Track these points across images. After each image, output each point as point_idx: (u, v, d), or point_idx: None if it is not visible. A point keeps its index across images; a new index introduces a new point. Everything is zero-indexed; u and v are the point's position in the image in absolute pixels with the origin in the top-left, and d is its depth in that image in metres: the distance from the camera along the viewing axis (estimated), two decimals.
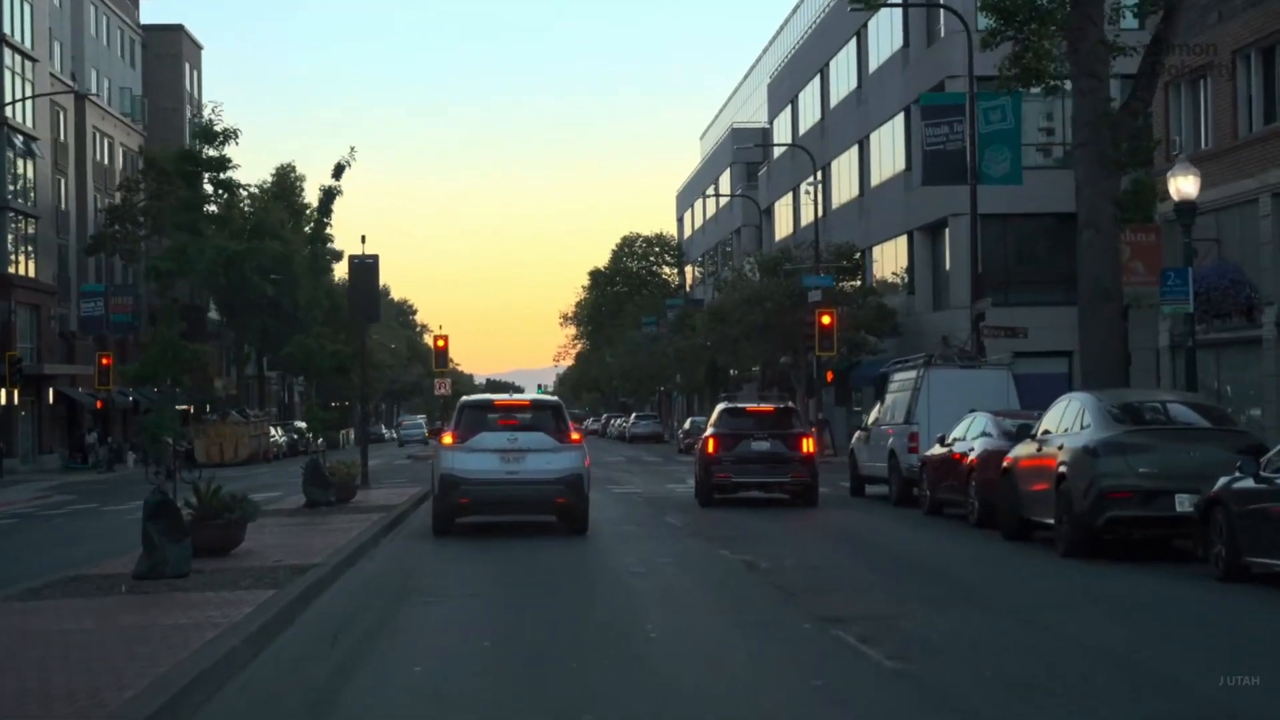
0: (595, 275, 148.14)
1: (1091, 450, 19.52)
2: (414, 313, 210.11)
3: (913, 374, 32.28)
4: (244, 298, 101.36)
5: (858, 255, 64.66)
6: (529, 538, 23.85)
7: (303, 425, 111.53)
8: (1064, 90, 32.77)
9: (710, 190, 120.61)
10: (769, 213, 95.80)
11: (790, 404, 36.24)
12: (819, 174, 63.80)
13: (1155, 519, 19.24)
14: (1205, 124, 37.32)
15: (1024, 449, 22.51)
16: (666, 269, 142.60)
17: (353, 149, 27.49)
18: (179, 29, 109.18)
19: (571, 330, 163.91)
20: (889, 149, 67.14)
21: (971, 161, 38.93)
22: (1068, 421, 20.99)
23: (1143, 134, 37.12)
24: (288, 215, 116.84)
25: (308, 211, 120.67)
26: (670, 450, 79.30)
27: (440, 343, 71.42)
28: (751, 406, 33.82)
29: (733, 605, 15.34)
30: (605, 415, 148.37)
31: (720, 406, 33.80)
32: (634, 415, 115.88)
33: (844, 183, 75.04)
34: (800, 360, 64.43)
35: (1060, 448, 20.49)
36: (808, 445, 31.72)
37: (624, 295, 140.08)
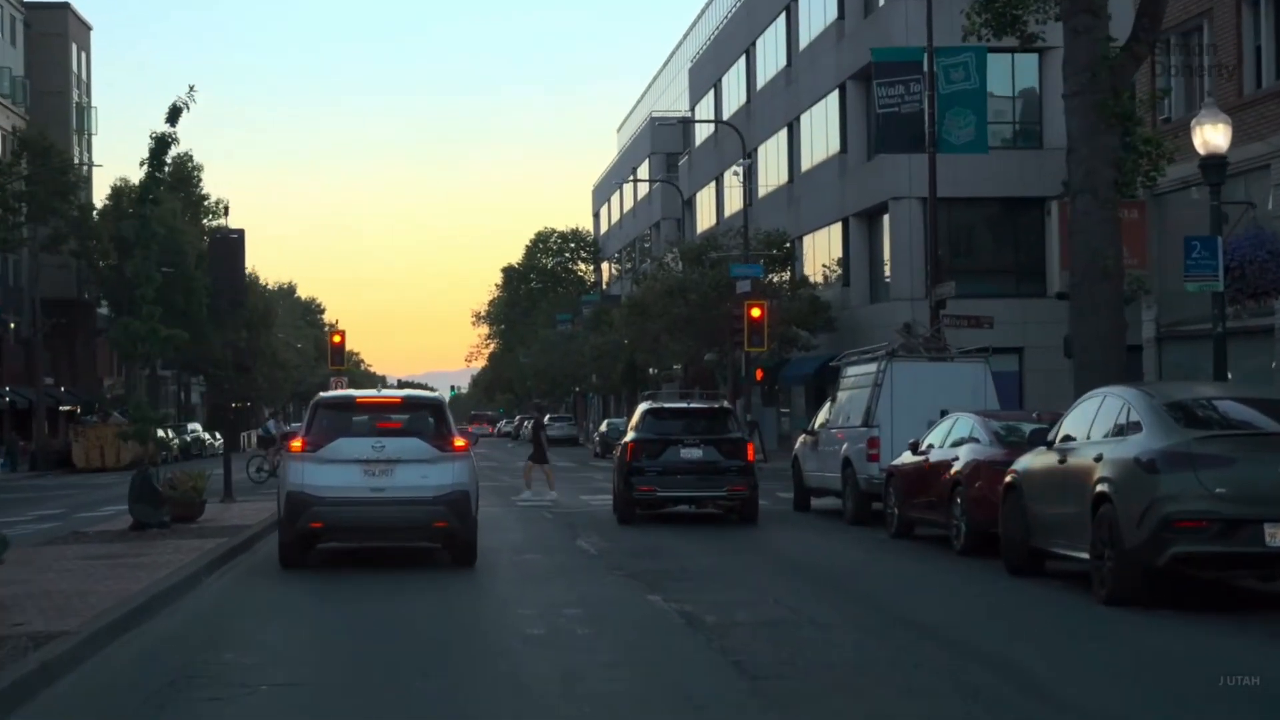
0: (508, 272, 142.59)
1: (1149, 463, 14.50)
2: (321, 311, 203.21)
3: (872, 368, 27.26)
4: (132, 292, 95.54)
5: (788, 244, 59.67)
6: (399, 572, 18.61)
7: (197, 427, 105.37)
8: (1041, 40, 27.75)
9: (629, 179, 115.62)
10: (691, 204, 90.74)
11: (726, 404, 31.10)
12: (746, 153, 58.90)
13: (1238, 556, 14.26)
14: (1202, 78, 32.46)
15: (1037, 460, 17.48)
16: (582, 265, 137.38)
17: (192, 88, 22.63)
18: (65, 7, 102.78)
19: (484, 329, 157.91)
20: (821, 131, 62.23)
21: (930, 127, 33.92)
22: (1103, 425, 15.96)
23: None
24: (184, 206, 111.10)
25: (206, 202, 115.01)
26: (586, 454, 74.04)
27: (337, 338, 66.09)
28: (681, 406, 28.93)
29: (673, 701, 10.20)
30: (518, 417, 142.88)
31: (643, 406, 28.64)
32: (548, 417, 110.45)
33: (772, 169, 70.10)
34: (727, 357, 59.36)
35: (1098, 459, 15.44)
36: (747, 452, 27.12)
37: (538, 293, 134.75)
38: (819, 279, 60.20)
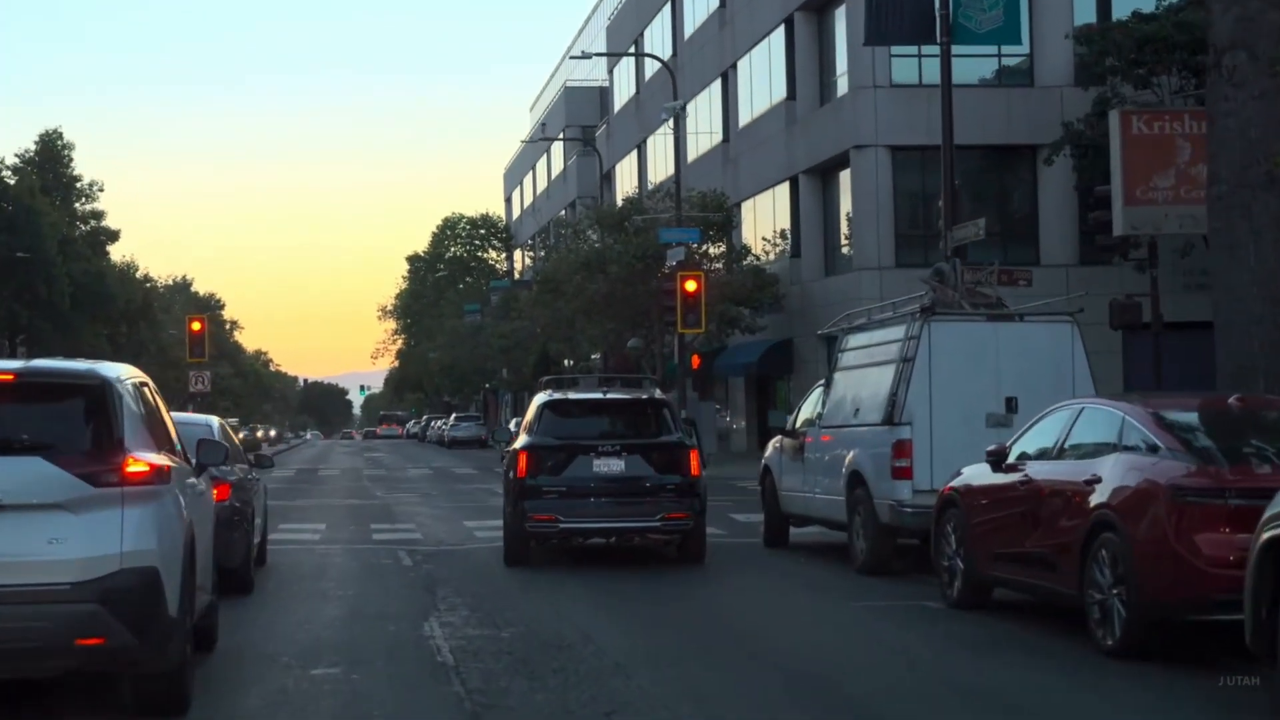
0: (414, 261, 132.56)
1: None
2: (222, 307, 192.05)
3: (894, 334, 17.87)
4: None
5: (727, 207, 50.21)
6: None
7: None
8: None
9: (541, 156, 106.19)
10: (610, 178, 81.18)
11: (659, 393, 21.63)
12: (676, 95, 49.39)
13: None
14: None
15: None
16: (493, 253, 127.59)
17: None
18: None
19: (391, 324, 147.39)
20: (763, 76, 52.96)
21: (942, 8, 24.66)
22: None
23: None
24: (52, 186, 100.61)
25: (78, 184, 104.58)
26: (494, 458, 64.34)
27: (196, 325, 56.17)
28: (594, 398, 20.49)
29: None
30: (425, 417, 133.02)
31: (540, 398, 19.73)
32: (454, 416, 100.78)
33: (703, 128, 60.67)
34: (655, 341, 49.94)
35: None
36: (691, 462, 18.89)
37: (445, 282, 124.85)
38: (761, 251, 50.84)
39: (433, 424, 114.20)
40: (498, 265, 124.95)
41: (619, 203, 69.64)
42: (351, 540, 23.30)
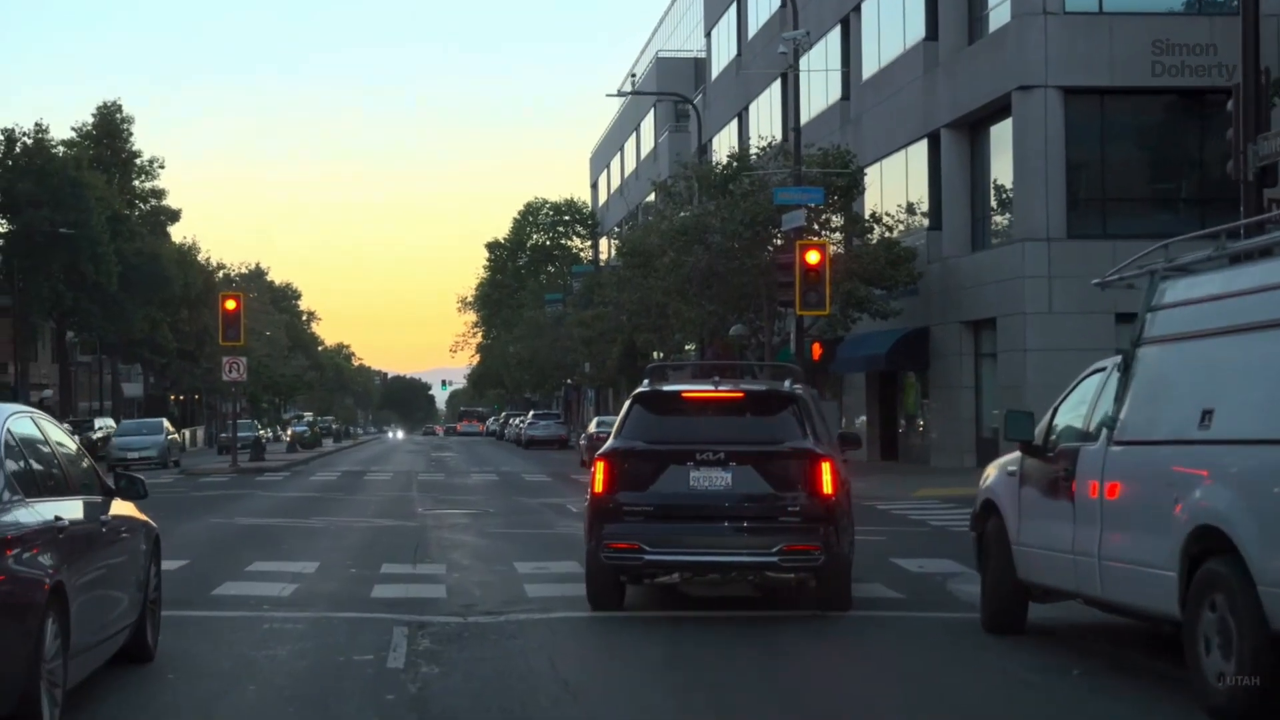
0: (494, 249, 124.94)
1: None
2: (297, 297, 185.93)
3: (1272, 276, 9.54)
4: (33, 259, 78.08)
5: (854, 168, 41.83)
6: None
7: (111, 423, 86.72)
8: None
9: (630, 136, 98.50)
10: (706, 152, 73.02)
11: (791, 385, 15.32)
12: (796, 25, 41.01)
13: None
14: None
15: None
16: (577, 240, 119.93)
17: None
18: None
19: (471, 316, 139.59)
20: (894, 16, 44.75)
21: None
22: None
23: None
24: (111, 162, 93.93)
25: (137, 160, 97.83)
26: (572, 461, 56.44)
27: (231, 303, 48.68)
28: (700, 391, 15.49)
29: None
30: (505, 414, 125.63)
31: (639, 392, 15.09)
32: (531, 413, 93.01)
33: (817, 86, 52.34)
34: (764, 328, 41.71)
35: None
36: (821, 475, 14.14)
37: (526, 271, 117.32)
38: (893, 222, 42.47)
39: (511, 421, 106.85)
40: (582, 254, 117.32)
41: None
42: (334, 601, 15.32)
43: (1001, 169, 38.54)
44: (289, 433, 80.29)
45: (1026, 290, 35.70)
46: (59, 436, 10.02)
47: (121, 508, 10.72)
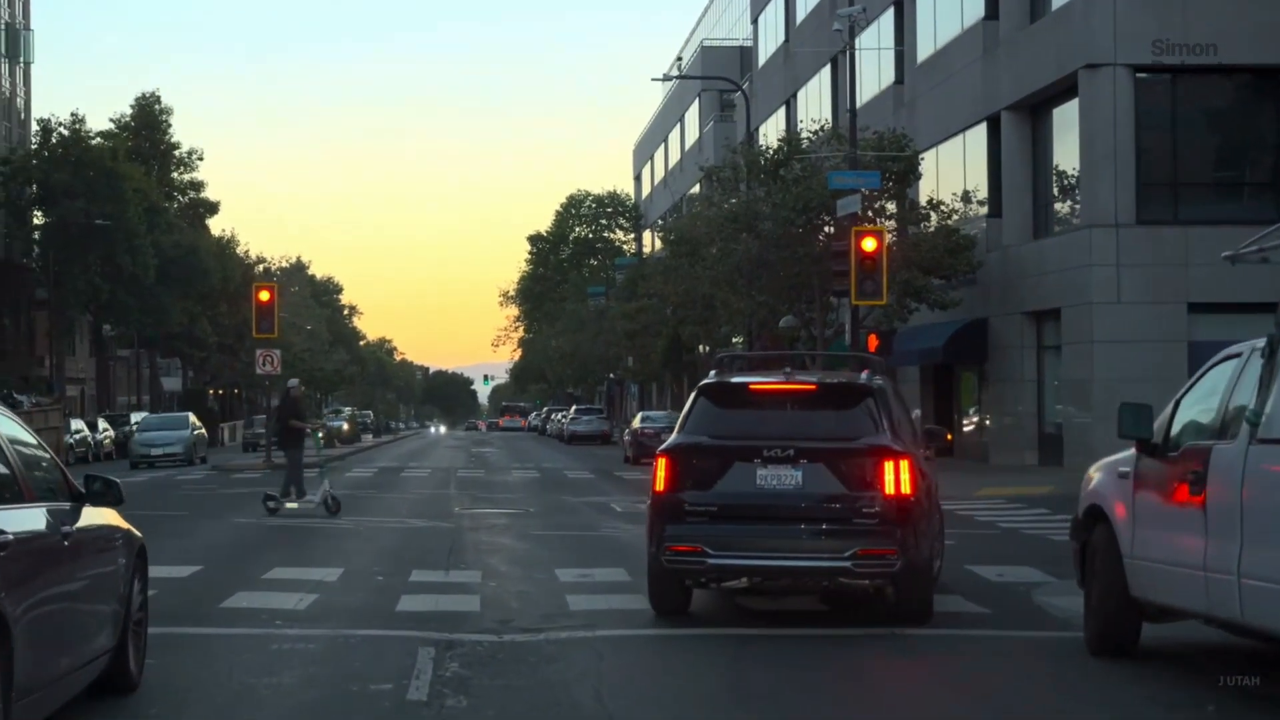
0: (535, 242, 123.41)
1: None
2: (339, 291, 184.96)
3: None
4: (69, 251, 77.05)
5: (910, 152, 40.05)
6: None
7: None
8: None
9: (674, 127, 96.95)
10: (752, 141, 71.33)
11: (870, 376, 14.15)
12: (853, 1, 39.22)
13: None
14: None
15: None
16: (620, 233, 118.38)
17: None
18: None
19: (512, 310, 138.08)
20: None
21: None
22: None
23: None
24: (150, 154, 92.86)
25: (176, 152, 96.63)
26: (617, 457, 54.94)
27: (264, 294, 47.27)
28: (768, 380, 14.37)
29: None
30: (546, 409, 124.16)
31: (705, 383, 14.13)
32: (574, 408, 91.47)
33: (868, 69, 50.59)
34: (816, 319, 40.05)
35: None
36: (899, 474, 13.01)
37: (569, 264, 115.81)
38: (952, 209, 40.70)
39: (553, 416, 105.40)
40: (625, 247, 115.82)
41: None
42: (355, 615, 13.79)
43: (1065, 153, 36.80)
44: (321, 425, 78.16)
45: (1093, 279, 33.97)
46: (14, 432, 8.51)
47: (96, 516, 9.22)
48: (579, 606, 14.30)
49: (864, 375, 14.14)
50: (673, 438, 13.69)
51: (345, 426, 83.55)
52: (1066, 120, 36.41)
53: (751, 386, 14.04)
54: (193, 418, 59.79)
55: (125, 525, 9.94)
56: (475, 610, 14.16)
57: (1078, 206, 36.14)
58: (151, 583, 15.82)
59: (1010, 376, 38.90)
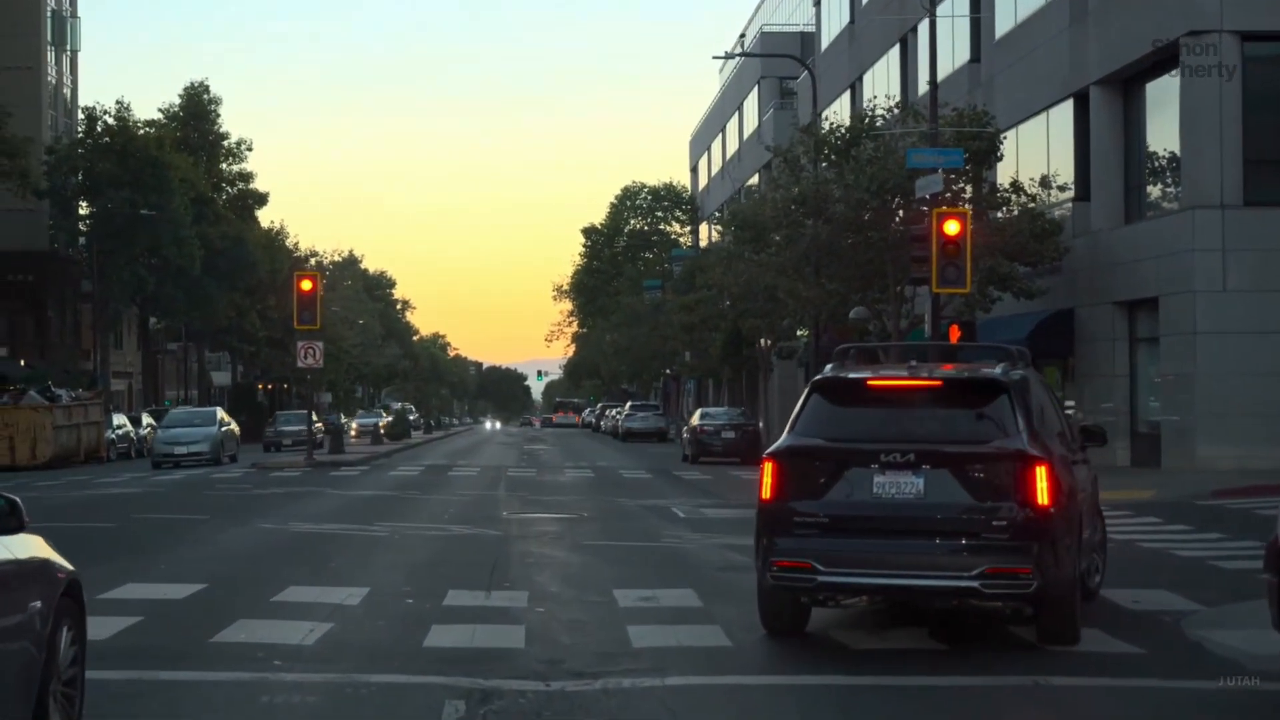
0: (590, 234, 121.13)
1: None
2: (391, 286, 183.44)
3: None
4: (114, 242, 75.31)
5: (992, 129, 37.35)
6: None
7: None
8: None
9: (732, 116, 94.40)
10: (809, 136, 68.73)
11: (1007, 370, 12.47)
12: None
13: None
14: None
15: None
16: (676, 226, 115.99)
17: None
18: None
19: (566, 305, 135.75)
20: None
21: None
22: None
23: None
24: (199, 144, 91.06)
25: (225, 143, 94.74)
26: (673, 456, 52.54)
27: (306, 284, 45.11)
28: (887, 378, 12.69)
29: None
30: (601, 405, 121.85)
31: (818, 379, 12.67)
32: (629, 405, 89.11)
33: (941, 47, 47.82)
34: (889, 310, 37.48)
35: None
36: (1034, 482, 11.36)
37: (623, 257, 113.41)
38: (1035, 192, 37.96)
39: (607, 413, 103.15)
40: (681, 239, 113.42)
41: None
42: (372, 653, 11.37)
43: (1161, 130, 34.11)
44: (353, 425, 73.05)
45: (1196, 265, 31.30)
46: None
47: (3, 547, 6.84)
48: (644, 641, 11.89)
49: (999, 368, 12.48)
50: (781, 439, 12.33)
51: (381, 425, 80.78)
52: (1162, 94, 33.72)
53: (870, 382, 12.51)
54: (221, 413, 56.20)
55: (47, 555, 7.60)
56: (519, 646, 11.75)
57: (1171, 189, 33.45)
58: (140, 607, 13.61)
59: (1099, 371, 36.21)
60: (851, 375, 12.59)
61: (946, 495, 11.48)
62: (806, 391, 12.61)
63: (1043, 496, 11.38)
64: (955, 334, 32.28)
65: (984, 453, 11.57)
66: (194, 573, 16.15)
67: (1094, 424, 17.36)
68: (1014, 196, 37.02)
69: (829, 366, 13.01)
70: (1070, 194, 37.74)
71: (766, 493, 11.95)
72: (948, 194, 34.85)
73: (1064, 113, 38.28)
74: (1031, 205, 36.78)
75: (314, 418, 63.00)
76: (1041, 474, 11.39)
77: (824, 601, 12.33)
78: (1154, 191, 35.19)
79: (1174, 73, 32.41)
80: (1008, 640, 11.93)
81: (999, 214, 36.75)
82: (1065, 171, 38.22)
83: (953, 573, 11.41)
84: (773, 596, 12.18)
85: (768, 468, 12.03)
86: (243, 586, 15.16)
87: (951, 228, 29.21)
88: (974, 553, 11.32)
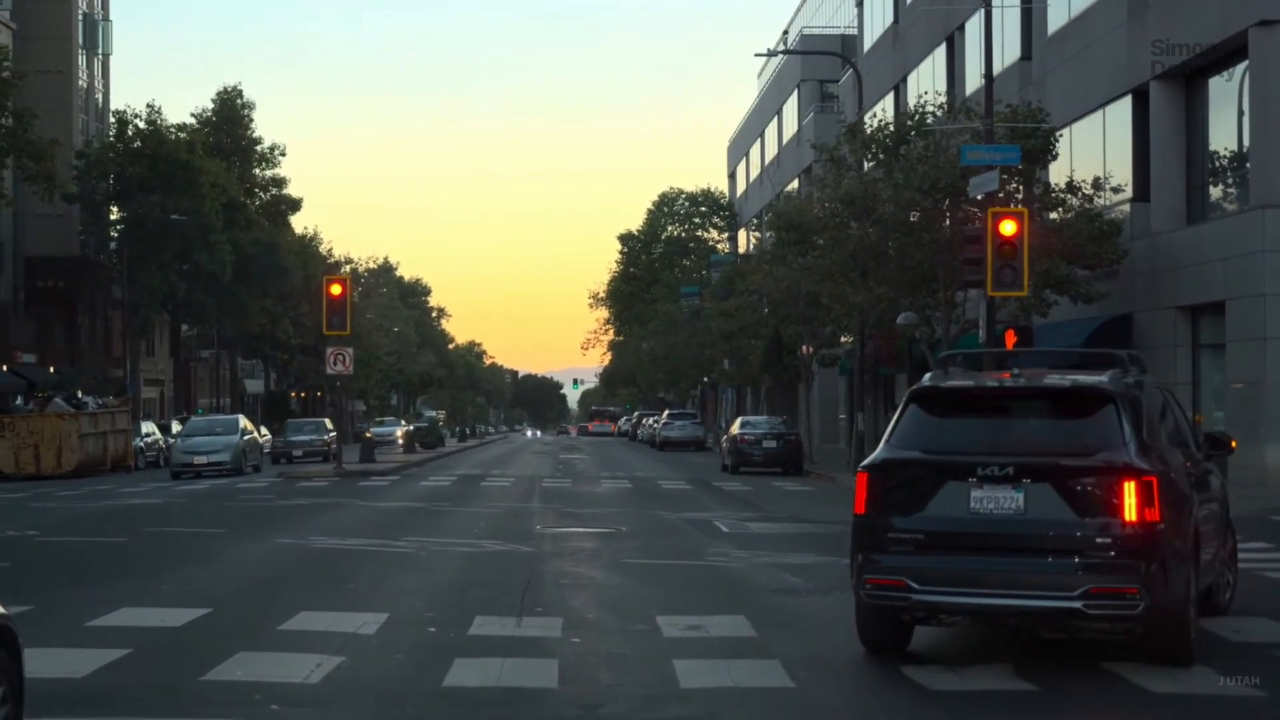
0: (627, 241, 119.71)
1: None
2: (427, 294, 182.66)
3: None
4: (144, 247, 74.37)
5: (1047, 126, 35.78)
6: None
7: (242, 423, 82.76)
8: None
9: (770, 121, 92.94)
10: (857, 135, 67.22)
11: (1118, 377, 11.95)
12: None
13: None
14: None
15: None
16: (714, 232, 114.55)
17: None
18: None
19: (603, 313, 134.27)
20: None
21: None
22: None
23: None
24: (232, 150, 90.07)
25: (258, 148, 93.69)
26: (712, 466, 51.12)
27: (336, 288, 43.88)
28: (987, 387, 12.23)
29: None
30: (638, 414, 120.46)
31: (916, 388, 12.06)
32: (666, 413, 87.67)
33: (994, 43, 46.32)
34: (940, 315, 36.01)
35: None
36: (1140, 497, 10.72)
37: (661, 264, 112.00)
38: (1090, 191, 36.39)
39: (644, 421, 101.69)
40: (719, 246, 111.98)
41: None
42: (386, 694, 10.05)
43: (1224, 127, 32.58)
44: (368, 432, 71.36)
45: (1266, 267, 29.75)
46: None
47: None
48: (692, 681, 10.51)
49: (1107, 376, 11.89)
50: (876, 451, 11.95)
51: (399, 434, 78.92)
52: (1226, 89, 32.19)
53: (971, 391, 12.12)
54: (244, 421, 54.58)
55: None
56: (551, 686, 10.38)
57: (1233, 190, 31.90)
58: (130, 637, 12.22)
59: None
60: (950, 385, 12.03)
61: (1048, 511, 10.93)
62: (904, 401, 12.14)
63: (1151, 512, 10.77)
64: (1011, 339, 30.81)
65: (1088, 466, 10.97)
66: (198, 596, 14.83)
67: (1220, 431, 15.99)
68: (1069, 197, 35.47)
69: (928, 376, 12.49)
70: (1127, 195, 36.21)
71: (861, 507, 11.57)
72: (1000, 194, 33.43)
73: (1122, 110, 36.73)
74: (1088, 206, 35.22)
75: (328, 426, 61.57)
76: (1149, 488, 10.77)
77: (925, 620, 11.77)
78: (1215, 192, 33.65)
79: (1236, 68, 30.89)
80: (1108, 679, 10.51)
81: (1054, 215, 35.23)
82: (1121, 171, 36.70)
83: (1054, 593, 10.84)
84: (871, 613, 11.70)
85: (862, 481, 11.62)
86: (248, 612, 13.83)
87: (1008, 228, 27.81)
88: (1076, 572, 10.75)
